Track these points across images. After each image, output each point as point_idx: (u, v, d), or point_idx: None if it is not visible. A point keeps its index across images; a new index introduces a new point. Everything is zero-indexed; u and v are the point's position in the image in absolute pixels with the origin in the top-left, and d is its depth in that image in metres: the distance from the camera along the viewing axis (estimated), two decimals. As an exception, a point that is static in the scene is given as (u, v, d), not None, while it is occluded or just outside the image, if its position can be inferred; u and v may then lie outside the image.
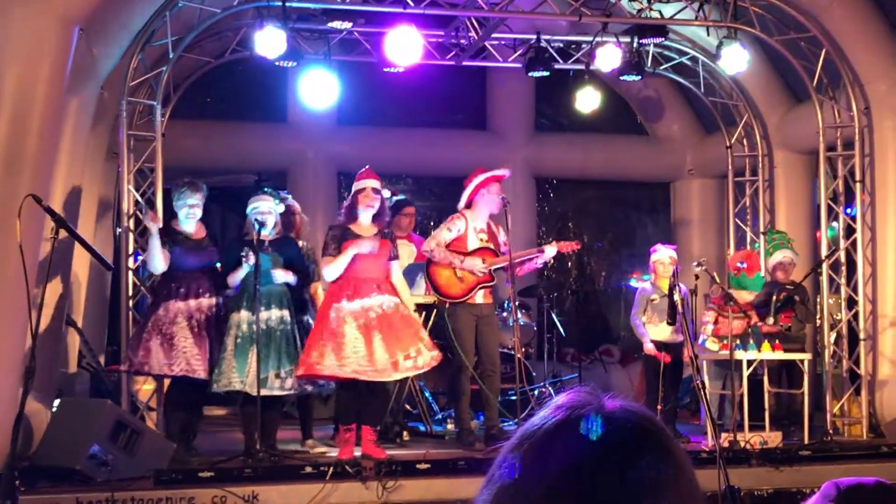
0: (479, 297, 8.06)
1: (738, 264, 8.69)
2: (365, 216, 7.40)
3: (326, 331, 7.15)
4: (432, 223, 12.75)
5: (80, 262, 8.78)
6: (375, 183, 7.46)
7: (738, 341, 8.15)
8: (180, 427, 7.51)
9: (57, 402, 7.64)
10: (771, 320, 8.73)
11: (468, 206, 8.18)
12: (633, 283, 13.10)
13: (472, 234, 8.10)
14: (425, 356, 7.29)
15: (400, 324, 7.27)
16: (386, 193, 7.75)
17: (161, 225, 7.52)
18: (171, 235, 7.58)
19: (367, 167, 7.63)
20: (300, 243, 8.15)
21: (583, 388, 1.39)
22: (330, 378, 7.29)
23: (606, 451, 1.28)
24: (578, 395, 1.37)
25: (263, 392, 7.14)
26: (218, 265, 7.71)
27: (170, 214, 7.85)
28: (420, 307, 8.45)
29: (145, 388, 8.74)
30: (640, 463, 1.27)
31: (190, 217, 7.60)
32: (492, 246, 8.13)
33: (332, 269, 7.28)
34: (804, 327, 9.27)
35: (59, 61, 6.74)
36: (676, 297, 7.20)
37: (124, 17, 7.89)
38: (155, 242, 7.42)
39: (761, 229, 10.37)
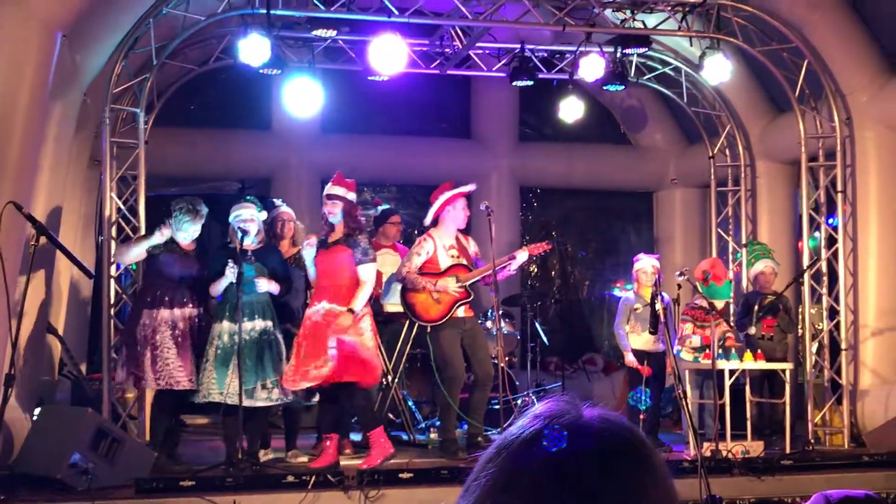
0: (461, 311, 8.06)
1: (704, 273, 8.73)
2: (332, 220, 7.43)
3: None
4: (416, 231, 12.76)
5: (62, 270, 8.75)
6: (334, 189, 7.45)
7: (720, 350, 8.17)
8: (162, 435, 7.47)
9: (38, 409, 7.60)
10: (752, 329, 8.76)
11: (435, 222, 8.18)
12: (616, 292, 13.13)
13: (442, 252, 8.09)
14: (326, 369, 7.16)
15: (321, 332, 7.22)
16: (351, 196, 7.63)
17: (165, 240, 7.49)
18: (165, 244, 7.54)
19: (337, 172, 7.63)
20: (296, 250, 8.13)
21: (562, 398, 1.39)
22: (321, 387, 7.39)
23: (584, 461, 1.28)
24: (557, 404, 1.36)
25: (248, 403, 7.12)
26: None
27: (156, 221, 7.77)
28: (402, 315, 8.43)
29: (127, 397, 8.70)
30: (618, 472, 1.27)
31: (187, 238, 7.58)
32: (464, 261, 8.12)
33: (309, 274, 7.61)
34: (786, 336, 9.30)
35: (42, 67, 6.72)
36: (659, 306, 7.22)
37: (108, 23, 7.88)
38: (144, 246, 7.42)
39: (743, 239, 10.40)
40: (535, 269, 13.05)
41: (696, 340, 8.24)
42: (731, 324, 8.79)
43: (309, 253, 7.44)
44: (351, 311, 7.18)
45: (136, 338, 7.33)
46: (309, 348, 7.17)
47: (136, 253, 7.47)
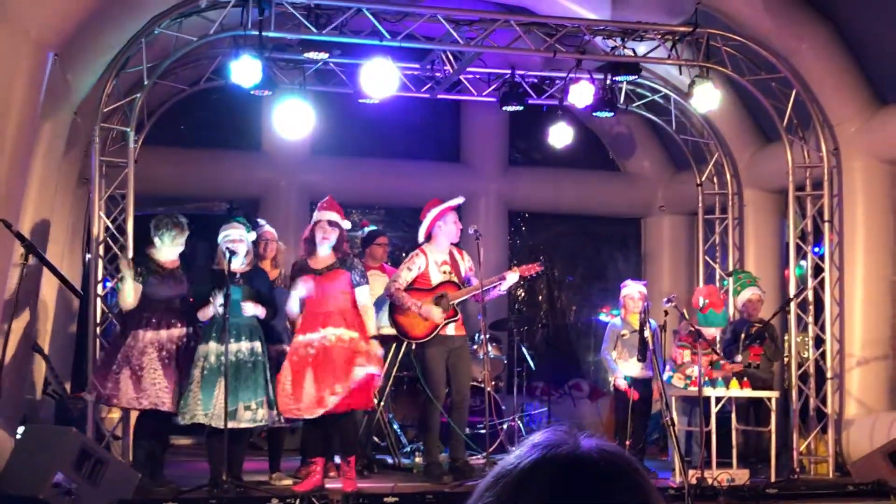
0: (451, 328, 8.05)
1: (701, 300, 8.75)
2: (322, 248, 7.40)
3: (284, 369, 7.29)
4: (404, 253, 12.75)
5: (48, 288, 8.71)
6: (332, 215, 7.44)
7: (706, 378, 8.19)
8: (146, 456, 7.43)
9: (21, 429, 7.54)
10: (739, 357, 8.78)
11: (427, 238, 8.19)
12: (602, 317, 13.15)
13: (434, 268, 8.09)
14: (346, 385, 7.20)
15: (339, 357, 7.19)
16: (346, 224, 7.68)
17: (133, 272, 7.45)
18: (145, 264, 7.52)
19: (328, 196, 7.63)
20: (278, 271, 8.13)
21: (559, 427, 1.39)
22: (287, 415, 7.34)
23: (582, 492, 1.28)
24: (555, 433, 1.36)
25: (233, 424, 7.08)
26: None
27: (144, 241, 7.76)
28: (391, 338, 8.42)
29: (111, 417, 8.67)
30: (616, 502, 1.27)
31: (173, 254, 7.57)
32: (455, 278, 8.11)
33: (289, 306, 7.47)
34: (773, 365, 9.33)
35: (33, 87, 6.72)
36: (647, 333, 7.24)
37: (99, 42, 7.88)
38: (128, 283, 7.40)
39: (730, 267, 10.44)
40: (523, 294, 13.06)
41: (695, 371, 8.22)
42: (718, 351, 8.80)
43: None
44: (375, 338, 7.33)
45: (116, 358, 7.29)
46: (321, 374, 7.12)
47: (128, 292, 7.44)
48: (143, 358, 7.27)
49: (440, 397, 7.99)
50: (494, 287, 8.15)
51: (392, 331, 8.41)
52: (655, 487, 1.33)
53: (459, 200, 8.30)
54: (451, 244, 8.16)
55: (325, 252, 7.39)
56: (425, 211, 8.20)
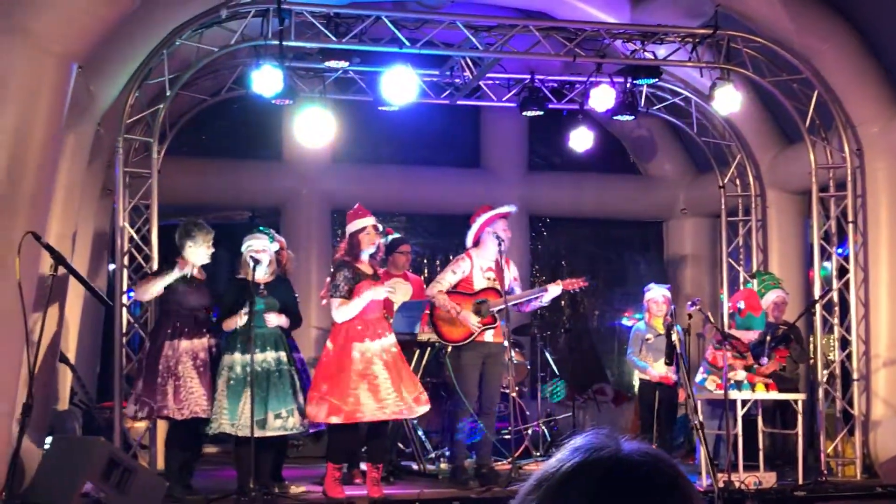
0: (489, 335, 8.01)
1: (739, 304, 8.72)
2: (365, 255, 7.37)
3: (356, 374, 7.12)
4: (425, 260, 12.78)
5: (73, 299, 8.77)
6: (374, 220, 7.47)
7: (732, 381, 8.16)
8: (179, 466, 7.47)
9: (49, 439, 7.59)
10: (765, 360, 8.74)
11: (475, 244, 8.15)
12: (625, 321, 13.12)
13: (479, 273, 8.07)
14: (425, 395, 7.45)
15: (405, 364, 7.46)
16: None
17: (184, 273, 7.49)
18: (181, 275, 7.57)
19: (357, 204, 7.59)
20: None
21: (600, 431, 1.40)
22: (370, 421, 7.27)
23: (624, 495, 1.29)
24: (596, 437, 1.37)
25: (263, 433, 7.10)
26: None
27: (171, 251, 7.78)
28: (415, 345, 8.44)
29: (137, 426, 8.70)
30: None
31: (203, 258, 7.61)
32: (497, 286, 8.06)
33: (347, 312, 7.22)
34: (798, 367, 9.29)
35: (58, 98, 6.77)
36: (674, 337, 7.18)
37: (122, 54, 7.95)
38: (164, 283, 7.44)
39: (753, 269, 10.40)
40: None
41: (738, 374, 8.19)
42: (745, 355, 8.75)
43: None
44: None
45: (159, 369, 7.32)
46: (406, 375, 7.33)
47: (156, 290, 7.48)
48: (180, 367, 7.34)
49: (472, 400, 7.96)
50: (536, 298, 8.13)
51: (423, 337, 8.45)
52: (697, 490, 1.34)
53: (511, 209, 8.24)
54: (499, 252, 8.08)
55: (366, 259, 7.40)
56: (475, 216, 8.17)
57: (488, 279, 8.06)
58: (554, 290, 8.08)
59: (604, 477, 1.29)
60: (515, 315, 9.23)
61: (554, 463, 1.35)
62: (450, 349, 8.12)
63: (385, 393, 7.08)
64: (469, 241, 8.18)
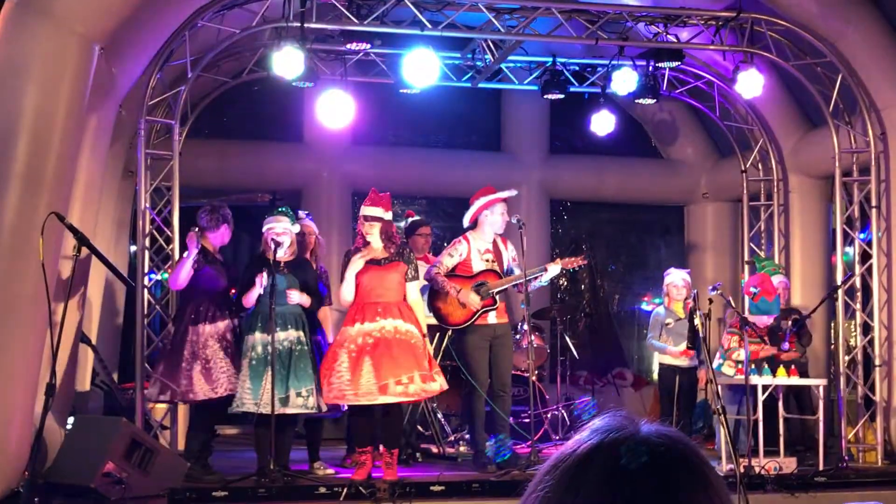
0: (492, 317, 8.03)
1: (752, 289, 8.68)
2: (372, 241, 7.42)
3: (329, 359, 7.27)
4: (445, 243, 12.78)
5: (94, 280, 8.83)
6: (371, 210, 7.41)
7: (752, 366, 8.15)
8: (200, 446, 7.54)
9: (71, 419, 7.67)
10: (786, 346, 8.72)
11: (473, 225, 8.18)
12: (644, 305, 13.11)
13: (476, 256, 8.06)
14: (417, 385, 7.18)
15: (398, 349, 7.20)
16: (387, 216, 7.66)
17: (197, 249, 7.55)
18: (204, 254, 7.63)
19: (371, 190, 7.59)
20: (315, 265, 8.18)
21: (618, 413, 1.40)
22: (333, 403, 7.37)
23: (642, 476, 1.29)
24: (614, 419, 1.37)
25: (287, 410, 7.20)
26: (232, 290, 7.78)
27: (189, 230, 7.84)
28: (431, 329, 8.45)
29: (159, 407, 8.77)
30: (676, 487, 1.28)
31: (224, 239, 7.71)
32: (496, 268, 8.08)
33: (342, 292, 7.40)
34: (806, 352, 9.29)
35: (80, 80, 6.80)
36: (697, 321, 7.15)
37: (144, 36, 7.97)
38: (190, 263, 7.49)
39: (776, 254, 10.36)
40: (565, 283, 13.05)
41: (742, 355, 8.19)
42: (766, 339, 8.72)
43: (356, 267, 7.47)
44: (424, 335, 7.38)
45: (183, 354, 7.39)
46: (383, 363, 7.10)
47: (187, 272, 7.54)
48: (208, 351, 7.42)
49: (482, 385, 7.98)
50: (536, 278, 8.12)
51: (432, 320, 8.44)
52: (717, 472, 1.34)
53: (512, 193, 8.23)
54: (496, 234, 8.14)
55: (377, 245, 7.44)
56: (475, 197, 8.16)
57: (486, 261, 8.06)
58: (553, 269, 8.09)
59: (621, 457, 1.29)
60: (535, 299, 9.23)
61: (571, 444, 1.35)
62: (452, 333, 8.13)
63: (335, 377, 7.15)
64: (466, 221, 8.18)
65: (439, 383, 7.34)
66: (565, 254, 12.54)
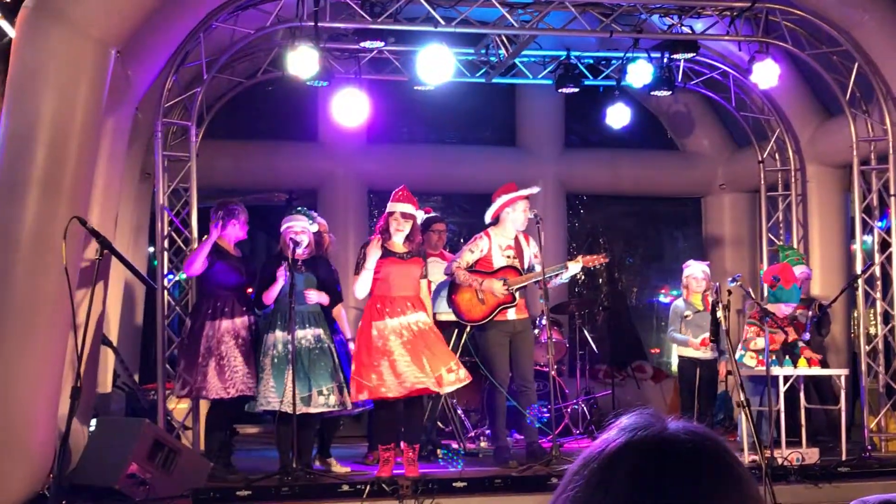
0: (511, 313, 8.04)
1: (773, 278, 8.66)
2: (397, 237, 7.46)
3: (376, 351, 7.20)
4: (462, 240, 12.80)
5: (114, 282, 8.89)
6: (406, 207, 7.46)
7: (773, 357, 8.13)
8: (220, 445, 7.58)
9: (94, 421, 7.72)
10: (807, 336, 8.70)
11: (495, 221, 8.18)
12: (662, 298, 13.10)
13: (497, 252, 8.06)
14: (462, 371, 7.37)
15: (435, 340, 7.36)
16: (420, 215, 7.76)
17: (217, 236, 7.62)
18: (217, 250, 7.66)
19: (402, 186, 7.61)
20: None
21: (644, 410, 1.41)
22: (395, 399, 7.30)
23: (670, 473, 1.29)
24: (641, 416, 1.38)
25: (310, 409, 7.25)
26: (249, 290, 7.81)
27: (207, 232, 7.89)
28: (451, 324, 8.46)
29: (180, 408, 8.82)
30: (704, 483, 1.28)
31: (241, 235, 7.73)
32: (517, 264, 8.07)
33: (359, 285, 7.38)
34: (823, 341, 9.26)
35: (97, 85, 6.84)
36: (720, 313, 7.12)
37: (159, 38, 8.01)
38: (207, 248, 7.54)
39: (795, 244, 10.34)
40: (583, 277, 13.04)
41: (760, 343, 8.18)
42: (785, 329, 8.69)
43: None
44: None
45: (199, 350, 7.44)
46: (427, 354, 7.21)
47: (203, 257, 7.57)
48: (222, 347, 7.45)
49: (503, 381, 7.99)
50: (557, 276, 8.11)
51: (451, 317, 8.45)
52: (747, 468, 1.34)
53: (534, 190, 8.22)
54: (537, 228, 8.09)
55: (398, 240, 7.48)
56: (497, 194, 8.15)
57: (507, 257, 8.06)
58: (574, 267, 8.08)
59: (649, 456, 1.29)
60: (554, 293, 9.24)
61: (598, 443, 1.36)
62: (470, 330, 8.15)
63: (403, 366, 7.14)
64: (488, 217, 8.18)
65: (465, 371, 7.44)
66: (582, 249, 12.55)
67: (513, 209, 8.02)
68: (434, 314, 8.74)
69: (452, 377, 7.28)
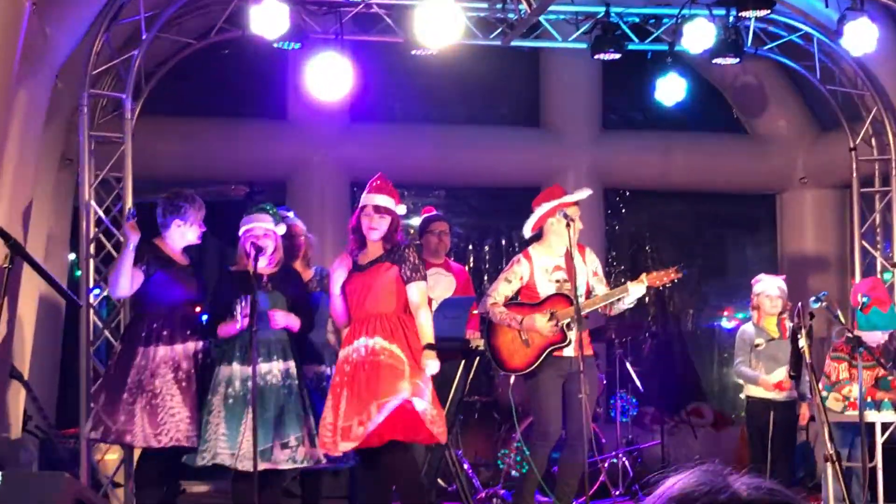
0: (570, 349, 7.77)
1: (861, 297, 8.65)
2: (372, 236, 7.26)
3: (333, 388, 7.19)
4: (471, 246, 12.82)
5: (27, 300, 8.88)
6: (381, 199, 7.28)
7: (868, 399, 8.13)
8: (154, 508, 7.56)
9: (-1, 475, 7.71)
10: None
11: (537, 236, 8.04)
12: (724, 322, 13.10)
13: (542, 276, 7.89)
14: (374, 420, 6.91)
15: (367, 376, 7.00)
16: (401, 209, 7.62)
17: (137, 238, 7.42)
18: (152, 253, 7.52)
19: (379, 174, 7.49)
20: (312, 270, 8.18)
21: (702, 466, 1.41)
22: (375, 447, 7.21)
23: None
24: (698, 475, 1.38)
25: (268, 466, 7.16)
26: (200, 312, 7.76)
27: (151, 232, 7.75)
28: (461, 353, 8.44)
29: (109, 458, 8.82)
30: None
31: (192, 237, 7.66)
32: (567, 290, 7.80)
33: (333, 315, 7.39)
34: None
35: (7, 44, 6.85)
36: (803, 342, 7.07)
37: (86, -12, 8.04)
38: (128, 258, 7.35)
39: (895, 254, 10.34)
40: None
41: (854, 390, 8.12)
42: (884, 364, 8.70)
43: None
44: (431, 346, 7.05)
45: (127, 382, 7.36)
46: (351, 399, 6.98)
47: (125, 270, 7.37)
48: (156, 381, 7.33)
49: (550, 434, 7.83)
50: (617, 301, 7.91)
51: (455, 342, 8.43)
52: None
53: (585, 194, 7.99)
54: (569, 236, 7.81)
55: (374, 243, 7.30)
56: (537, 201, 7.98)
57: (556, 282, 7.89)
58: (637, 290, 7.79)
59: None
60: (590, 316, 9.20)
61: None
62: (513, 377, 8.14)
63: (331, 419, 7.03)
64: (527, 232, 8.07)
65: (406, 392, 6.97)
66: (626, 259, 12.55)
67: (557, 220, 7.89)
68: (437, 339, 8.72)
69: (360, 431, 6.88)
